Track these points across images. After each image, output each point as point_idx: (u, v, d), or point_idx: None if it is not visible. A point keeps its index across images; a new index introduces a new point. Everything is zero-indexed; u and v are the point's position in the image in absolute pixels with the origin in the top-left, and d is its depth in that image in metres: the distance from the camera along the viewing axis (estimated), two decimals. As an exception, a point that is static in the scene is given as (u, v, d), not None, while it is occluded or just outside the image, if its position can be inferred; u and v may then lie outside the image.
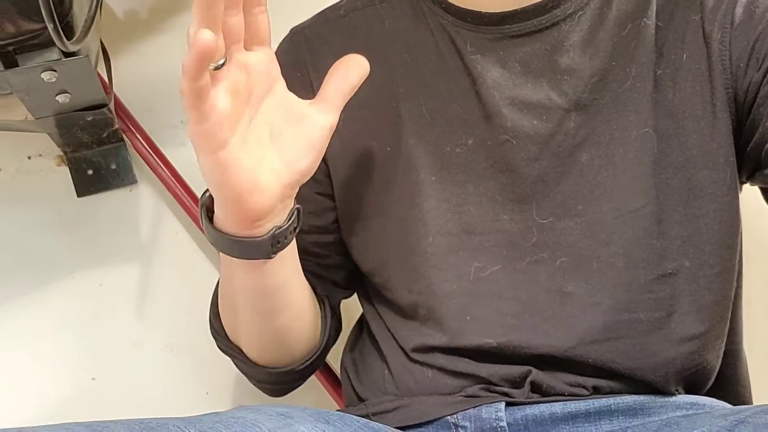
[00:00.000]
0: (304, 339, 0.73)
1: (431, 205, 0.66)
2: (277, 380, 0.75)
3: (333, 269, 0.76)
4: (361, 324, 0.79)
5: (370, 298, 0.74)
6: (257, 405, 0.59)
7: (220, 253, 0.63)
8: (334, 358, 1.00)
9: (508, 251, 0.65)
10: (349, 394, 0.75)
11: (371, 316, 0.74)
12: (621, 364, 0.63)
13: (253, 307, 0.67)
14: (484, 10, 0.65)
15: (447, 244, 0.66)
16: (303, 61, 0.72)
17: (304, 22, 0.75)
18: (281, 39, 0.76)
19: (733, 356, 0.70)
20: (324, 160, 0.70)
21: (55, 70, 0.76)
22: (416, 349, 0.67)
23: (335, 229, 0.74)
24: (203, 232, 0.62)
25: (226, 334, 0.73)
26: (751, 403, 0.72)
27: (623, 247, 0.62)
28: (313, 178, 0.70)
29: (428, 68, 0.68)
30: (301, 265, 0.69)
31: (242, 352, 0.72)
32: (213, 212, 0.59)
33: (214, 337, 0.75)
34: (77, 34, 0.75)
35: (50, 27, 0.67)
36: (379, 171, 0.69)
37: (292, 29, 0.75)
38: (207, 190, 0.59)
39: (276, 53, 0.73)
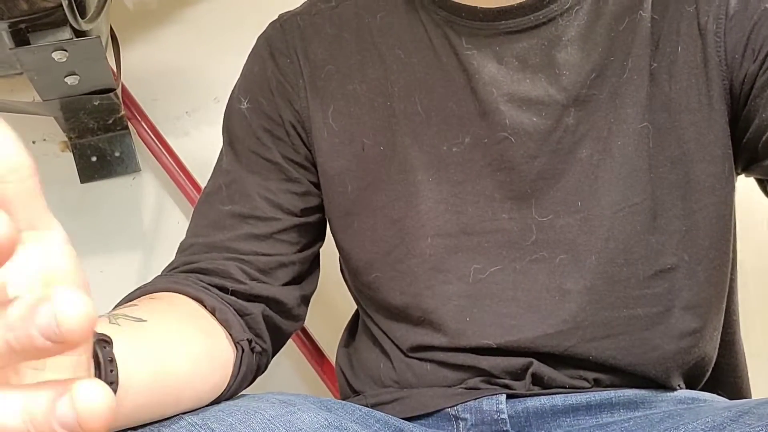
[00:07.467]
0: (203, 398, 0.58)
1: (428, 206, 0.65)
2: None
3: (307, 256, 0.71)
4: (355, 320, 0.78)
5: (359, 296, 0.73)
6: (259, 393, 0.59)
7: None
8: (331, 349, 1.00)
9: (508, 251, 0.64)
10: (344, 389, 0.74)
11: (364, 313, 0.73)
12: (621, 360, 0.63)
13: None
14: (478, 6, 0.63)
15: (445, 246, 0.65)
16: (294, 48, 0.70)
17: (294, 10, 0.73)
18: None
19: (729, 346, 0.70)
20: (310, 150, 0.69)
21: (66, 50, 0.76)
22: (414, 348, 0.67)
23: (314, 214, 0.71)
24: None
25: None
26: (750, 395, 0.72)
27: (623, 242, 0.62)
28: (299, 164, 0.69)
29: (422, 64, 0.66)
30: (276, 256, 0.66)
31: None
32: None
33: None
34: (90, 14, 0.75)
35: (65, 3, 0.67)
36: (370, 169, 0.67)
37: (281, 15, 0.73)
38: None
39: (264, 38, 0.72)
